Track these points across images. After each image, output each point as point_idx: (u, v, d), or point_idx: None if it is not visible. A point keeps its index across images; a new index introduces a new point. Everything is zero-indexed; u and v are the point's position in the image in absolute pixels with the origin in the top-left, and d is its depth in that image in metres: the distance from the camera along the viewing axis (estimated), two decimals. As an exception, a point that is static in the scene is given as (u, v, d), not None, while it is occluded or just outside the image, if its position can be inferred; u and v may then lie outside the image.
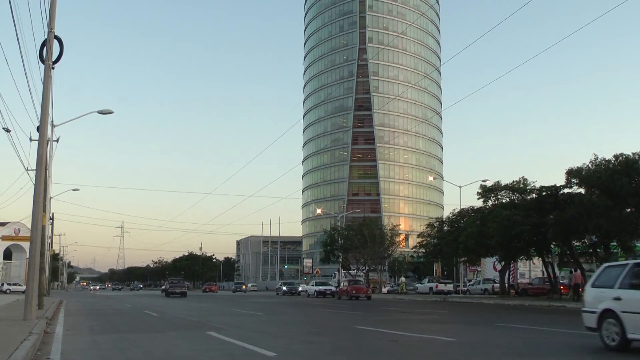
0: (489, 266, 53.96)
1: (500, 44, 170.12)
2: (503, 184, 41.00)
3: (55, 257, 77.31)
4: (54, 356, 8.94)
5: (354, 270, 62.95)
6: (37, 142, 16.17)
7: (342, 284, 46.05)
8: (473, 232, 38.51)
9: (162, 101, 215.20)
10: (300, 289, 57.26)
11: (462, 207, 47.41)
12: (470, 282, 53.79)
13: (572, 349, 10.49)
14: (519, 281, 48.26)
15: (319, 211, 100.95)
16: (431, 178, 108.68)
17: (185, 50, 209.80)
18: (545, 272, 43.78)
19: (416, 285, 56.17)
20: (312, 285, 51.48)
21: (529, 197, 39.21)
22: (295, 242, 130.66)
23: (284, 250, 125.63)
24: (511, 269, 47.80)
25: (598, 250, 36.25)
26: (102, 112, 26.53)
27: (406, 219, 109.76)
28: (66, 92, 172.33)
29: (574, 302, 28.69)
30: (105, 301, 38.47)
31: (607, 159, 32.56)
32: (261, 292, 76.20)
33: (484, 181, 43.89)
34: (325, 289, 48.78)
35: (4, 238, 76.76)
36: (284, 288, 60.76)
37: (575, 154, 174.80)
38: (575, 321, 17.69)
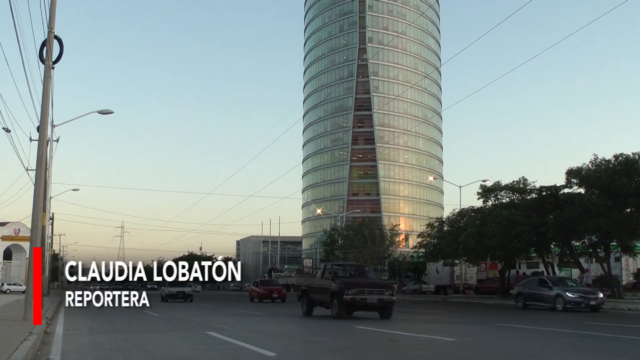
0: (432, 269, 56.73)
1: (500, 44, 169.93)
2: (503, 184, 40.98)
3: (55, 257, 77.40)
4: (53, 356, 8.94)
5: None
6: (37, 142, 16.18)
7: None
8: (473, 232, 38.48)
9: (162, 101, 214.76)
10: None
11: (462, 207, 47.42)
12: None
13: (573, 348, 10.50)
14: (467, 282, 51.13)
15: (319, 211, 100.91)
16: (431, 178, 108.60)
17: (185, 51, 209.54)
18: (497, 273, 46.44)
19: None
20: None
21: (529, 197, 39.20)
22: (295, 242, 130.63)
23: (284, 250, 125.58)
24: (454, 270, 51.81)
25: (598, 250, 36.23)
26: (102, 112, 26.58)
27: (406, 219, 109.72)
28: (66, 92, 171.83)
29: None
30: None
31: (607, 159, 32.54)
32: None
33: (484, 181, 43.88)
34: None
35: (4, 238, 76.88)
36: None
37: (575, 154, 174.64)
38: (574, 321, 17.71)
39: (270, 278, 54.13)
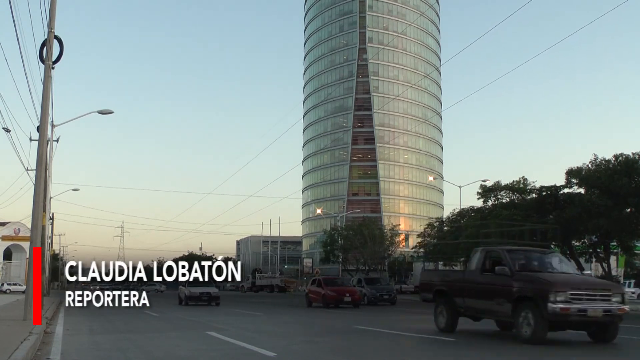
0: (418, 268, 56.34)
1: (500, 44, 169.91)
2: (503, 184, 40.93)
3: (55, 257, 77.45)
4: (54, 356, 8.94)
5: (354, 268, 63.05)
6: (37, 142, 16.19)
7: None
8: (473, 232, 38.48)
9: (162, 101, 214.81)
10: None
11: (462, 207, 47.40)
12: None
13: (573, 348, 10.49)
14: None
15: (318, 211, 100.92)
16: (431, 178, 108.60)
17: (185, 50, 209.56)
18: None
19: None
20: None
21: (529, 197, 39.16)
22: (295, 242, 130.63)
23: (284, 250, 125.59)
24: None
25: (598, 250, 36.23)
26: (102, 112, 26.59)
27: (406, 219, 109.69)
28: (66, 92, 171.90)
29: None
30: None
31: (607, 159, 32.54)
32: (261, 293, 76.29)
33: (484, 181, 43.83)
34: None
35: (4, 238, 76.87)
36: None
37: (575, 154, 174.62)
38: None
39: (336, 277, 45.67)
